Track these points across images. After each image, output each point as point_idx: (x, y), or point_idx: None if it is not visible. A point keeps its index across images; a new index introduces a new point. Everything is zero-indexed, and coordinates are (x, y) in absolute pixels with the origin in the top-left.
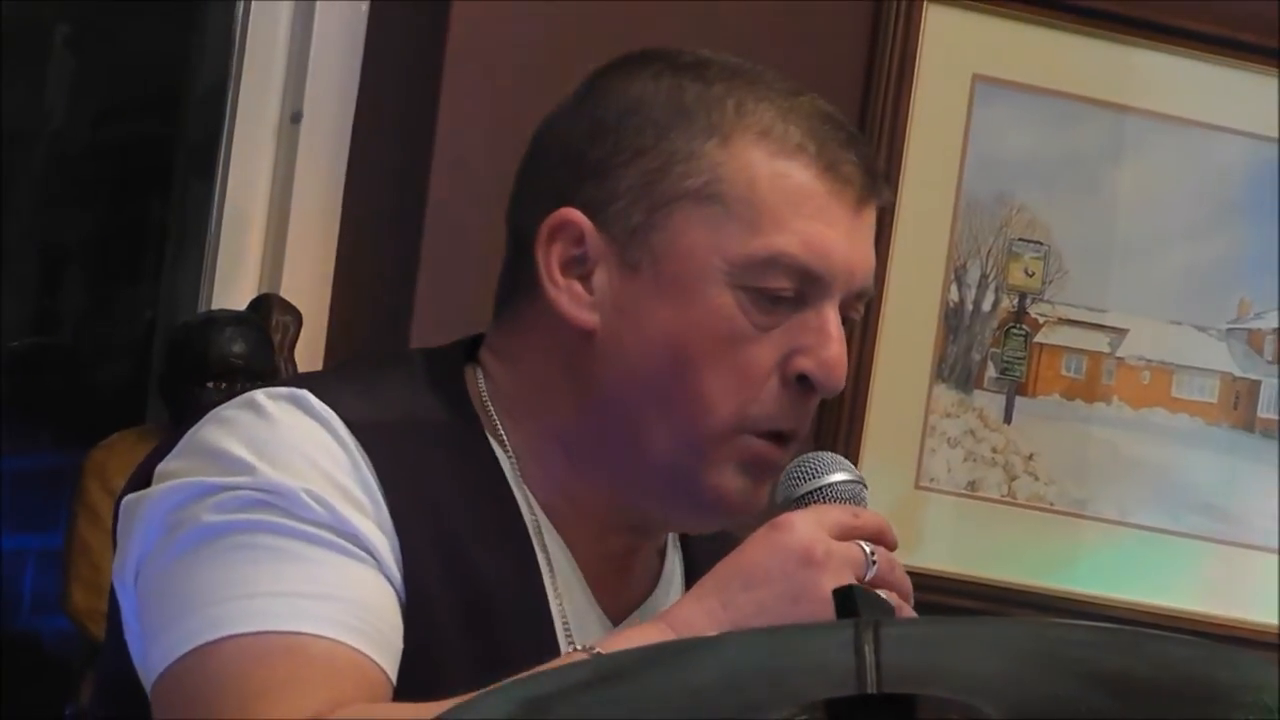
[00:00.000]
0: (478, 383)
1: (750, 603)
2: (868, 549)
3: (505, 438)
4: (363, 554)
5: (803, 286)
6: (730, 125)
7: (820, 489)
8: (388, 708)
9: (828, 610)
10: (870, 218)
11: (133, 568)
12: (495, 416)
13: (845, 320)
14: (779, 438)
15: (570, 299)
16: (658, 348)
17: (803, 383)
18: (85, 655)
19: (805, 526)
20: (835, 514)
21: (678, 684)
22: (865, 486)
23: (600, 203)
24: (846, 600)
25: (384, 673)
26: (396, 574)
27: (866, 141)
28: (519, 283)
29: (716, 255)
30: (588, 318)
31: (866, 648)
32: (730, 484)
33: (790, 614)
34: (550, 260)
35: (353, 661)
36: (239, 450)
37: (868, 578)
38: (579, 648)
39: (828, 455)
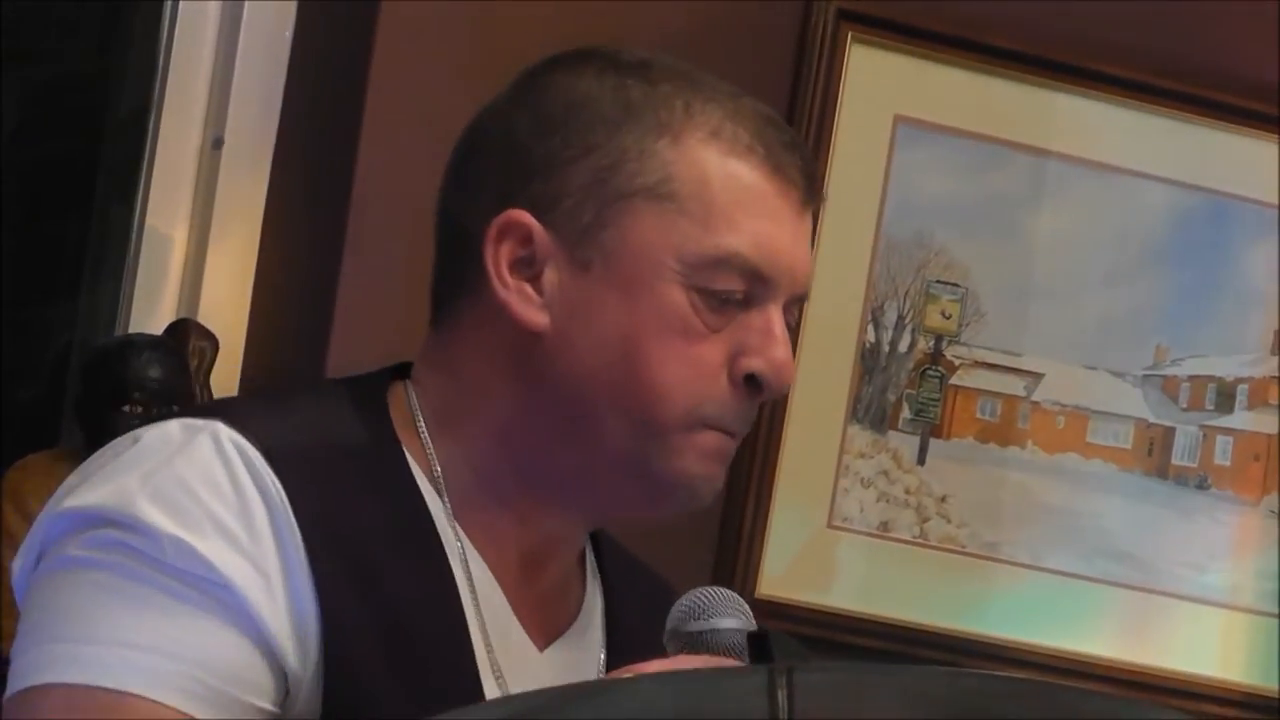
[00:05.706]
0: (409, 400)
1: None
2: None
3: (432, 455)
4: (223, 606)
5: (751, 287)
6: (680, 124)
7: (704, 633)
8: None
9: None
10: (810, 221)
11: (23, 582)
12: (423, 433)
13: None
14: (729, 436)
15: (520, 300)
16: (610, 343)
17: (750, 383)
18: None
19: None
20: None
21: None
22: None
23: (549, 201)
24: (761, 645)
25: None
26: (279, 619)
27: (805, 144)
28: (461, 284)
29: (669, 253)
30: (538, 318)
31: (780, 693)
32: (695, 468)
33: None
34: (499, 261)
35: None
36: (129, 481)
37: None
38: (501, 675)
39: (726, 595)
